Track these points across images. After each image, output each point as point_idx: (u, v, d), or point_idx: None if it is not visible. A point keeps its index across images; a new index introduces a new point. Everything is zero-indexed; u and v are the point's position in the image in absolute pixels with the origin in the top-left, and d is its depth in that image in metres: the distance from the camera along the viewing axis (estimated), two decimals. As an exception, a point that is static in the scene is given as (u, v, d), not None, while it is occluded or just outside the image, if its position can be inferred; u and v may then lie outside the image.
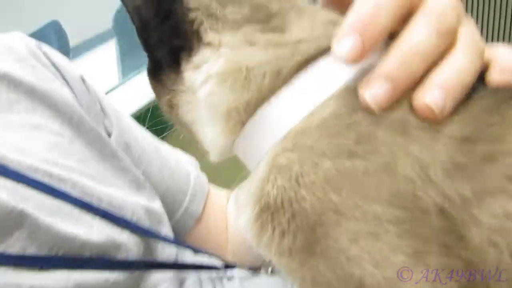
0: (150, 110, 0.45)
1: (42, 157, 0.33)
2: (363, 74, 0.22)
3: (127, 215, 0.35)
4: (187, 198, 0.47)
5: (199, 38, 0.25)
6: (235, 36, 0.25)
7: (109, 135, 0.41)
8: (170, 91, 0.27)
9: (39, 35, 0.97)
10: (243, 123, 0.25)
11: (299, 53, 0.24)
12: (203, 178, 0.50)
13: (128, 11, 0.27)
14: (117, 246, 0.33)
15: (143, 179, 0.41)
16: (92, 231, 0.32)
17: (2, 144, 0.32)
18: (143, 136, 0.46)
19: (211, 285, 0.42)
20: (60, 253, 0.30)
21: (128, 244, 0.34)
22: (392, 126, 0.21)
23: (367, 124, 0.21)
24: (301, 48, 0.24)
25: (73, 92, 0.39)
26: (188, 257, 0.43)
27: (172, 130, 0.31)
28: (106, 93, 0.70)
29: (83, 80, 0.41)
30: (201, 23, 0.25)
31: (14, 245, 0.29)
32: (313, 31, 0.25)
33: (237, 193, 0.27)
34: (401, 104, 0.21)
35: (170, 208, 0.44)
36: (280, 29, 0.25)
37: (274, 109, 0.24)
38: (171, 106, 0.28)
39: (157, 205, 0.41)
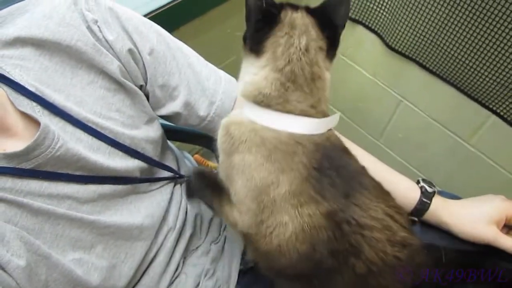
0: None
1: (91, 109, 0.51)
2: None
3: (139, 148, 0.57)
4: (218, 100, 0.63)
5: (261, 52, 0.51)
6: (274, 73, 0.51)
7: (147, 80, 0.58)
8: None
9: None
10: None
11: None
12: (233, 80, 0.66)
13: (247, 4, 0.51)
14: (129, 171, 0.55)
15: (155, 115, 0.61)
16: (116, 162, 0.53)
17: (69, 95, 0.50)
18: (180, 61, 0.61)
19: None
20: (92, 174, 0.50)
21: (135, 169, 0.56)
22: None
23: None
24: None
25: (121, 62, 0.54)
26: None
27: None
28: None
29: (130, 51, 0.55)
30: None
31: (71, 170, 0.49)
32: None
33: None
34: None
35: (203, 109, 0.62)
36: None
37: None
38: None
39: (159, 133, 0.61)
